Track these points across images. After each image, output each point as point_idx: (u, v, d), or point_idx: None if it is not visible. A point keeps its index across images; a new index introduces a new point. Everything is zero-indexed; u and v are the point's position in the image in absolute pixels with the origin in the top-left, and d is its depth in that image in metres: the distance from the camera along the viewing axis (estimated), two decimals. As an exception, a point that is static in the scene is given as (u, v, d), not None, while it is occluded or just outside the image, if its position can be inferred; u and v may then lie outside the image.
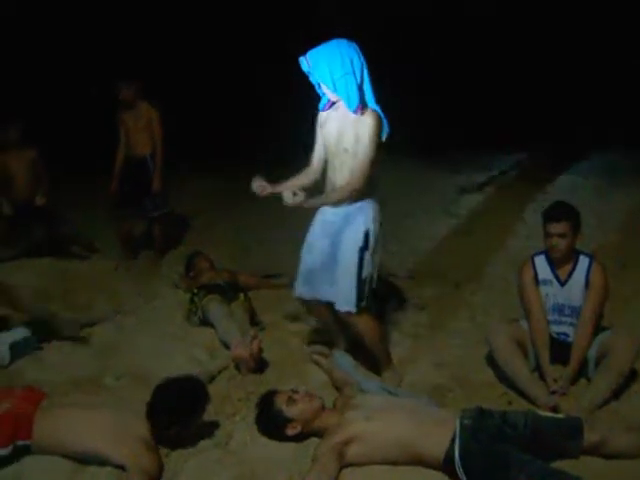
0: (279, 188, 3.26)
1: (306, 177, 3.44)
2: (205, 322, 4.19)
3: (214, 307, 4.13)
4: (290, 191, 3.08)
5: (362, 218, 3.20)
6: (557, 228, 3.33)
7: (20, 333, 3.84)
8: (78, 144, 8.68)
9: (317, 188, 3.40)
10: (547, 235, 3.38)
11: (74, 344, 3.99)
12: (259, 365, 3.59)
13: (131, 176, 5.59)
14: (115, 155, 5.66)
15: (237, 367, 3.61)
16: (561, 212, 3.38)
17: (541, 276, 3.45)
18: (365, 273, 3.21)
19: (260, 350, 3.56)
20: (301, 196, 3.06)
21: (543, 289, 3.45)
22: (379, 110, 3.15)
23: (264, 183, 3.29)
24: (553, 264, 3.44)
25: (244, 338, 3.61)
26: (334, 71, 3.03)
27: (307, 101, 3.51)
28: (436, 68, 10.09)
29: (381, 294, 4.14)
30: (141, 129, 5.52)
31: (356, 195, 3.18)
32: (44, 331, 3.96)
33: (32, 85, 9.19)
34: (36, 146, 5.73)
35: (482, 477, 2.50)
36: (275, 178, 3.37)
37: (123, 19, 9.63)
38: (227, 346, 3.81)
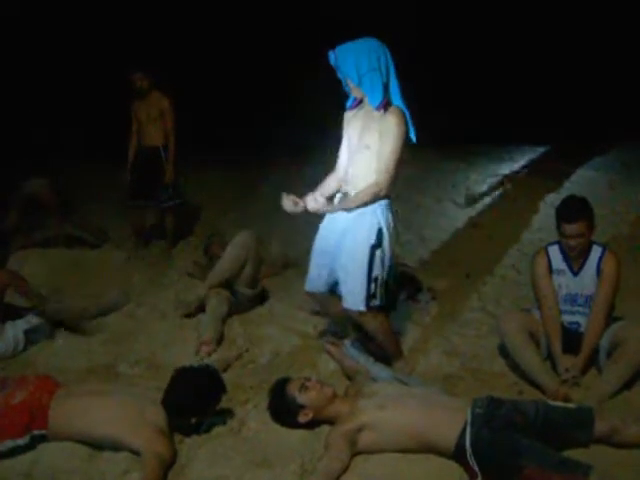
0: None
1: (333, 183, 3.38)
2: None
3: (214, 301, 4.17)
4: (311, 197, 3.12)
5: (376, 215, 3.17)
6: (573, 229, 3.28)
7: (33, 320, 3.88)
8: (92, 135, 8.74)
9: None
10: (563, 235, 3.33)
11: (88, 332, 4.03)
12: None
13: (144, 166, 5.61)
14: (128, 146, 5.70)
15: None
16: (576, 212, 3.30)
17: (554, 266, 3.44)
18: (376, 271, 3.18)
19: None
20: (322, 201, 3.10)
21: (556, 279, 3.43)
22: (405, 109, 3.13)
23: (296, 199, 3.21)
24: (566, 254, 3.43)
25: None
26: (360, 66, 3.03)
27: (325, 96, 3.51)
28: (455, 60, 10.05)
29: (392, 284, 4.16)
30: (153, 119, 5.51)
31: (382, 195, 3.14)
32: (57, 318, 4.01)
33: (45, 80, 9.27)
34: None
35: (493, 465, 2.51)
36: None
37: (137, 11, 9.66)
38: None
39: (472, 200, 7.20)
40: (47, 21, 9.40)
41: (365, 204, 3.16)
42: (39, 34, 9.35)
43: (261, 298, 4.46)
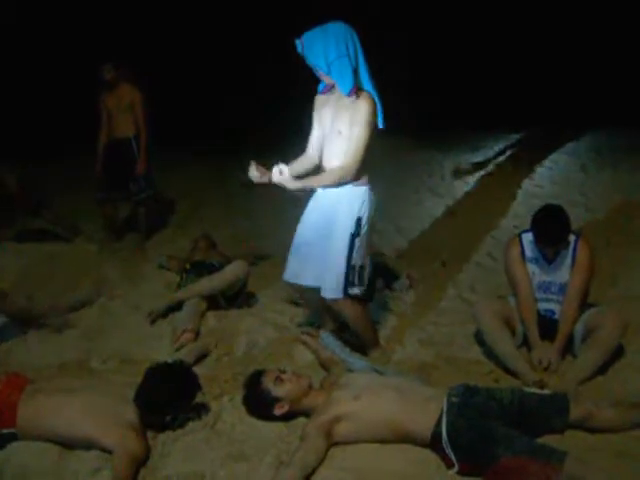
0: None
1: (301, 164, 3.37)
2: None
3: (193, 300, 4.11)
4: (277, 169, 3.07)
5: (355, 204, 3.15)
6: (552, 249, 3.35)
7: (1, 318, 3.80)
8: (63, 125, 8.62)
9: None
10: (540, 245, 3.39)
11: (59, 328, 3.96)
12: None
13: (115, 158, 5.53)
14: (97, 137, 5.60)
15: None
16: (554, 235, 3.31)
17: (528, 254, 3.45)
18: (355, 260, 3.17)
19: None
20: (286, 174, 3.06)
21: (530, 267, 3.44)
22: (375, 94, 3.10)
23: (263, 169, 3.20)
24: (540, 242, 3.43)
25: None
26: (328, 53, 2.98)
27: (302, 87, 3.46)
28: (431, 51, 10.05)
29: (370, 273, 4.14)
30: (124, 110, 5.45)
31: (348, 178, 3.12)
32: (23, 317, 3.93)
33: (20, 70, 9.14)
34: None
35: (469, 453, 2.51)
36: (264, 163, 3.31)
37: (140, 11, 9.56)
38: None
39: (460, 173, 7.31)
40: (43, 26, 9.25)
41: (329, 185, 3.16)
42: (35, 40, 9.21)
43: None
